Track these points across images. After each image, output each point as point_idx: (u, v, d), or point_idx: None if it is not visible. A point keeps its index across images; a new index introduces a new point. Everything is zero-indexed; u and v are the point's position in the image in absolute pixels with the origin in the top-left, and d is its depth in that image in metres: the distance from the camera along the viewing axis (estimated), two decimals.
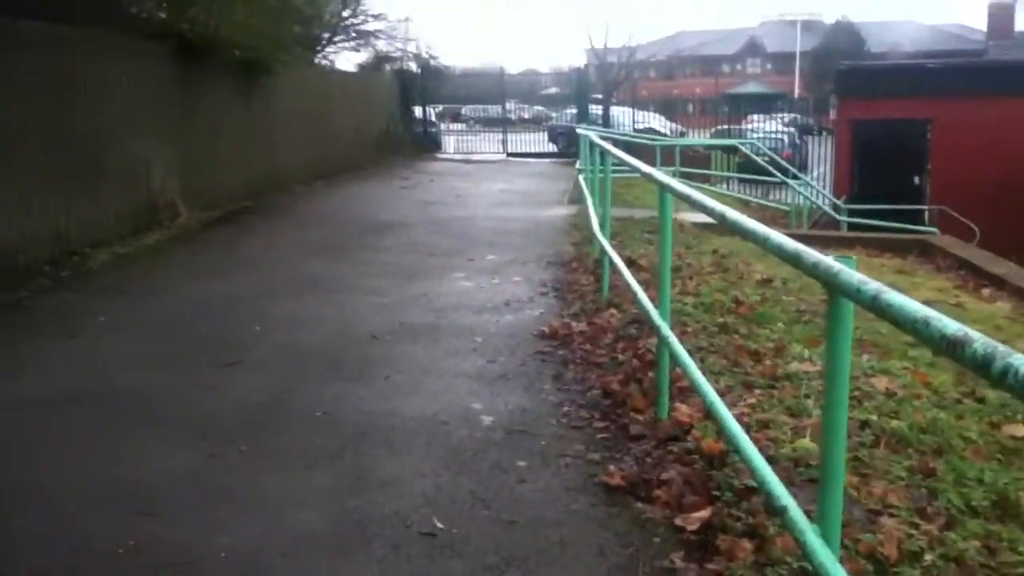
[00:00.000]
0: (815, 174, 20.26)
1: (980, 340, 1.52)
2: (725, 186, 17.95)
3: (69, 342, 5.40)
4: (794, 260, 2.36)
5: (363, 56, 24.30)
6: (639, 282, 5.28)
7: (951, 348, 1.59)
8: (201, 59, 10.83)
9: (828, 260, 2.15)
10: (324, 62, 21.06)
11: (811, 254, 2.26)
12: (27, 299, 6.50)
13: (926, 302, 6.05)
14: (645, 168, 5.32)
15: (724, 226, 3.14)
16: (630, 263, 7.14)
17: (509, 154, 23.67)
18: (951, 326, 1.60)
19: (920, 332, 1.70)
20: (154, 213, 9.60)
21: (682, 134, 24.81)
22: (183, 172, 10.38)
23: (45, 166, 7.65)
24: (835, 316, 2.18)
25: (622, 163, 6.70)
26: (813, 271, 2.22)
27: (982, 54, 27.73)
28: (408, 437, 3.94)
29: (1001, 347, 1.47)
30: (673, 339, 3.86)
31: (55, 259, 7.60)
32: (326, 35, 20.46)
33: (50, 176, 7.73)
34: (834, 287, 2.10)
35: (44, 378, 4.70)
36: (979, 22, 33.14)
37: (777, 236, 2.57)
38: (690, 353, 4.86)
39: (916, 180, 16.55)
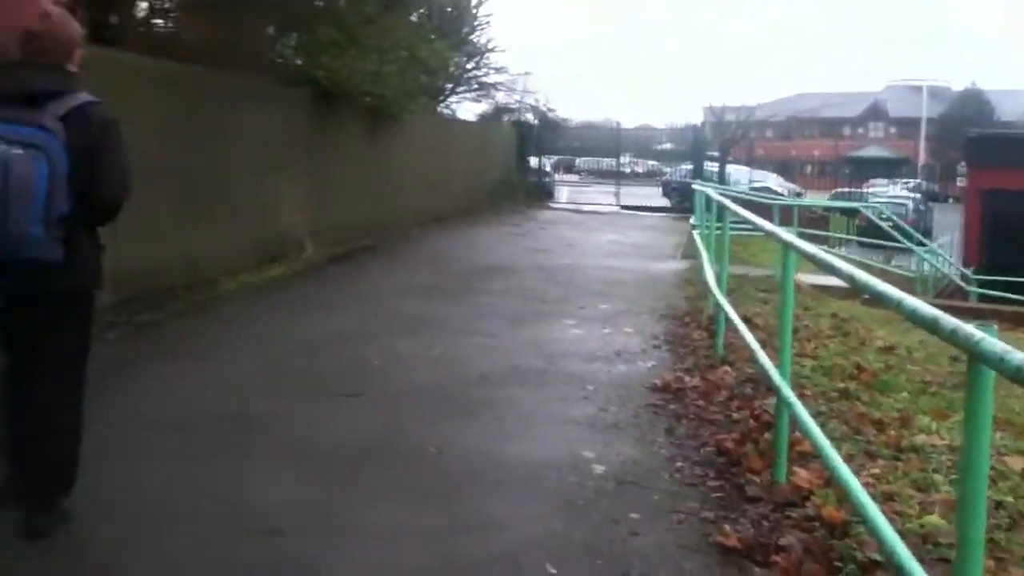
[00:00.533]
0: (939, 242, 19.48)
1: None
2: (843, 249, 17.46)
3: (200, 364, 5.65)
4: (931, 325, 2.24)
5: (483, 106, 24.98)
6: (756, 340, 5.18)
7: None
8: (332, 104, 11.39)
9: (968, 327, 2.05)
10: (446, 111, 21.72)
11: (950, 320, 2.16)
12: (163, 321, 6.86)
13: None
14: (769, 226, 5.24)
15: (854, 288, 3.06)
16: (745, 320, 7.00)
17: (621, 206, 23.73)
18: None
19: None
20: (282, 247, 10.05)
21: (799, 195, 24.36)
22: (310, 210, 10.88)
23: (186, 199, 8.11)
24: (975, 386, 2.06)
25: (741, 220, 6.62)
26: (952, 338, 2.11)
27: None
28: (518, 480, 3.93)
29: None
30: (795, 401, 3.75)
31: (189, 285, 8.02)
32: (449, 85, 21.11)
33: (190, 208, 8.20)
34: (975, 355, 1.99)
35: (177, 399, 4.92)
36: None
37: (911, 300, 2.46)
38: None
39: None
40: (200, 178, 8.37)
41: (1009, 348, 1.86)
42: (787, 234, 4.45)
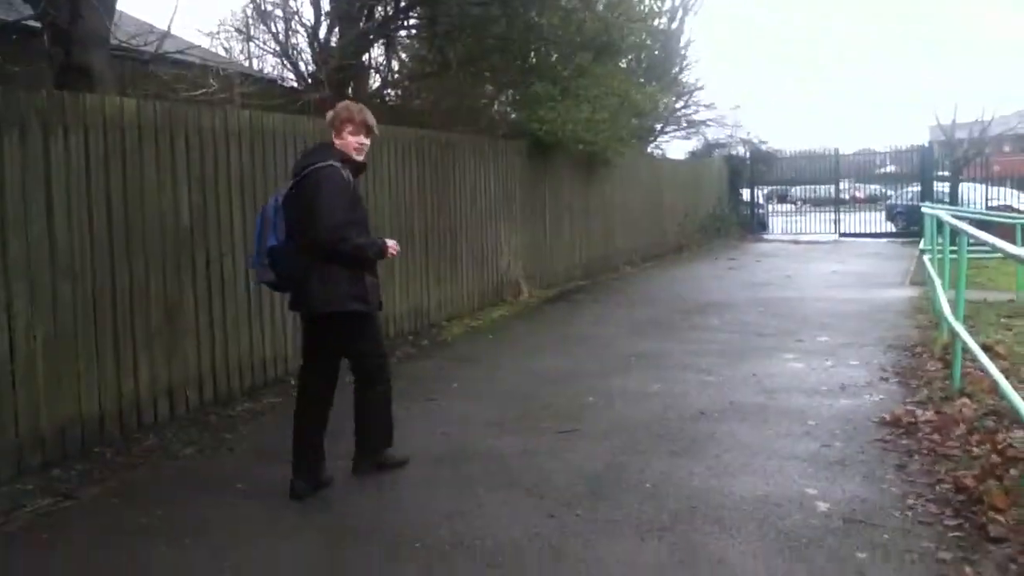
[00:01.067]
0: None
1: None
2: None
3: (428, 405, 6.05)
4: None
5: (693, 143, 24.84)
6: (998, 370, 4.83)
7: None
8: (547, 153, 11.90)
9: None
10: (656, 151, 21.83)
11: None
12: (394, 365, 7.37)
13: None
14: (1011, 248, 4.90)
15: None
16: (986, 349, 6.51)
17: (841, 234, 22.64)
18: None
19: None
20: (500, 291, 10.56)
21: None
22: (526, 254, 11.37)
23: (415, 251, 8.74)
24: None
25: (977, 242, 6.19)
26: None
27: None
28: (739, 517, 3.90)
29: None
30: None
31: (416, 330, 8.62)
32: (659, 125, 21.22)
33: (419, 260, 8.83)
34: None
35: (410, 437, 5.29)
36: None
37: None
38: None
39: None
40: (428, 232, 9.01)
41: None
42: None
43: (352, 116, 4.38)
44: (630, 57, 16.87)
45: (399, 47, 12.55)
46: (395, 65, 12.61)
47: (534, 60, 12.46)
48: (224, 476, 4.69)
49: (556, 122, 11.37)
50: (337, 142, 4.37)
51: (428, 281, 9.00)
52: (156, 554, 3.70)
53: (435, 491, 4.37)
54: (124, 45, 7.37)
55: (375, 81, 11.93)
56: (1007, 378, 4.83)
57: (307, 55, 10.66)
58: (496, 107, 13.55)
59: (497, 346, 8.21)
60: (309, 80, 10.13)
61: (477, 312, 9.83)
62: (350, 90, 10.27)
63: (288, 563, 3.58)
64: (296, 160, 4.65)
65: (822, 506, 3.99)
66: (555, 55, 12.49)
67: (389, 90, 12.33)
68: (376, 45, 11.43)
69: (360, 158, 4.43)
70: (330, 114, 4.45)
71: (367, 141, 4.44)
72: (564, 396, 6.18)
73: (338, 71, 9.68)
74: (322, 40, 10.41)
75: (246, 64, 11.11)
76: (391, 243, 4.50)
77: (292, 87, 10.56)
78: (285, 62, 10.86)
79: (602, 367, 7.12)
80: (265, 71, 11.24)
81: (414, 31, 11.95)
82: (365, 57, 11.11)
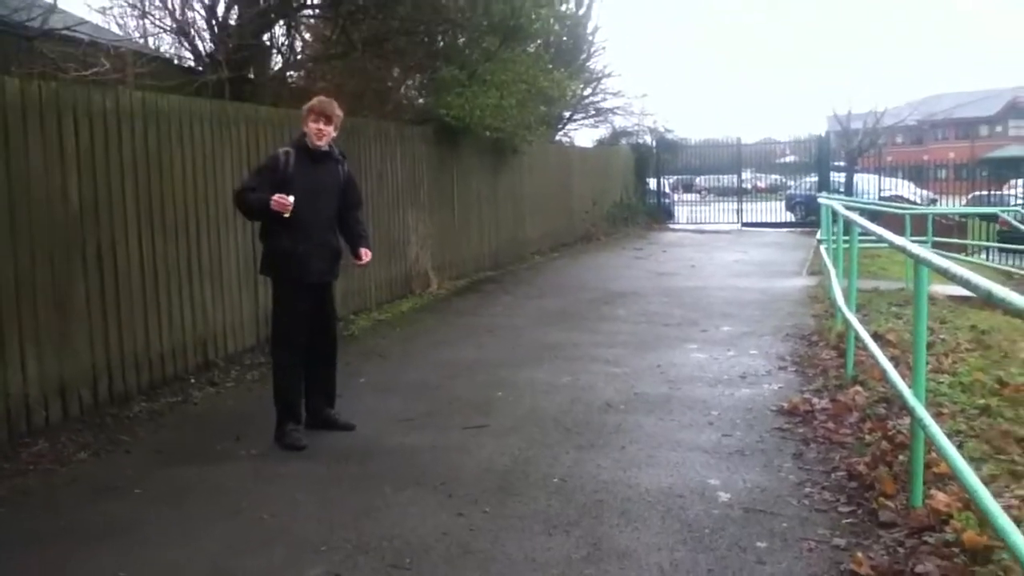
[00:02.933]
0: None
1: None
2: (984, 256, 16.54)
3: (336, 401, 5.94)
4: None
5: (601, 131, 25.06)
6: (888, 358, 5.02)
7: None
8: (454, 140, 11.78)
9: None
10: (564, 138, 21.93)
11: None
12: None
13: None
14: (897, 240, 5.09)
15: (990, 303, 2.94)
16: (877, 337, 6.78)
17: (744, 224, 23.26)
18: None
19: None
20: (408, 282, 10.43)
21: (933, 202, 23.23)
22: (435, 244, 11.24)
23: None
24: None
25: (868, 233, 6.43)
26: None
27: None
28: (644, 509, 3.96)
29: None
30: (929, 421, 3.63)
31: None
32: (567, 113, 21.32)
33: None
34: None
35: (316, 433, 5.18)
36: None
37: None
38: (947, 437, 4.55)
39: None
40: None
41: None
42: (917, 247, 4.31)
43: (311, 106, 5.08)
44: (539, 43, 16.89)
45: (302, 27, 12.22)
46: (298, 46, 12.30)
47: (441, 43, 12.33)
48: (121, 480, 4.50)
49: (463, 108, 11.26)
50: (304, 130, 5.10)
51: (344, 273, 8.79)
52: (45, 560, 3.52)
53: (341, 489, 4.29)
54: (5, 20, 6.95)
55: (277, 63, 11.59)
56: (896, 366, 5.04)
57: (205, 34, 10.29)
58: (403, 91, 13.37)
59: (406, 340, 8.12)
60: (207, 60, 9.77)
61: (385, 305, 9.69)
62: (251, 71, 9.94)
63: (187, 569, 3.46)
64: None
65: (723, 496, 4.08)
66: (462, 39, 12.39)
67: (291, 72, 12.00)
68: (278, 25, 11.10)
69: (320, 143, 5.06)
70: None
71: (324, 127, 5.06)
72: (473, 390, 6.17)
73: (237, 51, 9.35)
74: (220, 18, 10.04)
75: (141, 42, 10.63)
76: (276, 197, 4.84)
77: (190, 67, 10.16)
78: (182, 41, 10.45)
79: (512, 359, 7.13)
80: (161, 50, 10.78)
81: (317, 11, 11.66)
82: (267, 37, 10.77)
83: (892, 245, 5.06)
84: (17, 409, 5.03)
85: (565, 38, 20.44)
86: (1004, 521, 2.75)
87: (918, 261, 3.96)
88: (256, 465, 4.67)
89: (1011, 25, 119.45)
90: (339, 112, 5.15)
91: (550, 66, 14.96)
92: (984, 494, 2.95)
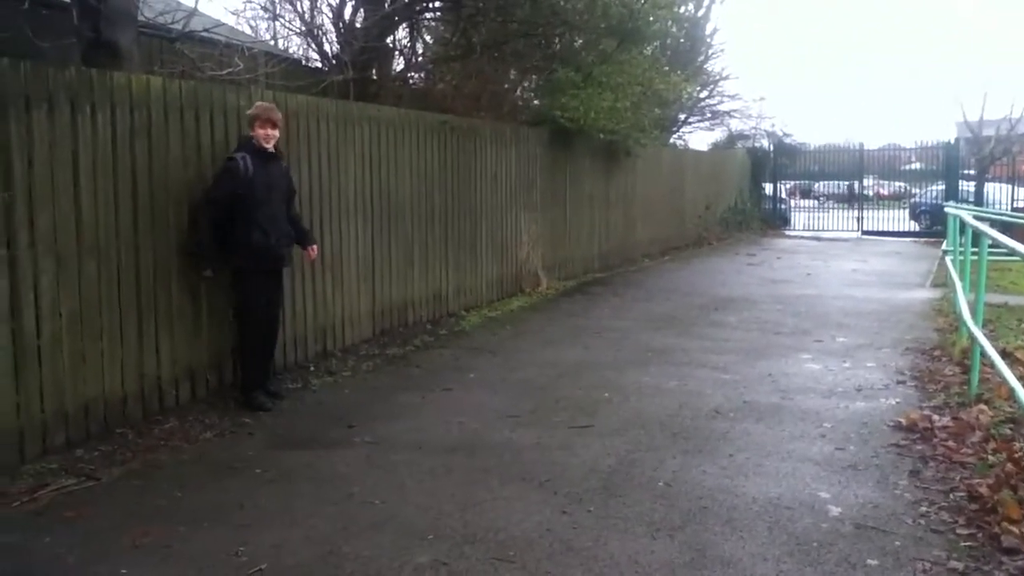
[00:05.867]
0: None
1: None
2: None
3: (445, 394, 6.10)
4: None
5: (716, 134, 24.66)
6: (1016, 377, 4.80)
7: None
8: (568, 142, 11.85)
9: None
10: (679, 141, 21.70)
11: None
12: (412, 353, 7.44)
13: None
14: None
15: None
16: (1005, 355, 6.46)
17: (864, 232, 22.48)
18: None
19: None
20: (518, 281, 10.56)
21: None
22: (546, 244, 11.35)
23: (435, 239, 8.75)
24: None
25: (999, 245, 6.13)
26: None
27: None
28: (749, 518, 3.91)
29: None
30: None
31: (435, 319, 8.66)
32: (683, 116, 21.08)
33: (439, 248, 8.84)
34: None
35: (427, 426, 5.34)
36: None
37: None
38: None
39: None
40: (448, 219, 9.02)
41: None
42: None
43: (258, 112, 5.59)
44: (655, 44, 16.75)
45: (424, 29, 12.52)
46: (419, 48, 12.61)
47: (558, 46, 12.39)
48: (243, 460, 4.75)
49: (578, 110, 11.31)
50: (252, 135, 5.60)
51: (447, 268, 9.02)
52: (176, 535, 3.76)
53: (449, 480, 4.40)
54: (151, 22, 7.40)
55: (399, 63, 11.92)
56: None
57: (332, 35, 10.68)
58: (519, 93, 13.51)
59: (515, 337, 8.23)
60: (334, 61, 10.13)
61: (495, 303, 9.85)
62: (373, 72, 10.27)
63: (303, 548, 3.63)
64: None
65: (834, 510, 3.99)
66: (579, 41, 12.42)
67: (412, 73, 12.32)
68: (401, 27, 11.42)
69: (267, 145, 5.59)
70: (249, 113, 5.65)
71: (271, 131, 5.59)
72: (579, 390, 6.20)
73: (362, 53, 9.67)
74: (347, 20, 10.40)
75: (272, 44, 11.13)
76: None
77: (316, 68, 10.56)
78: (310, 42, 10.88)
79: (618, 361, 7.13)
80: (290, 51, 11.25)
81: (439, 13, 11.92)
82: (389, 39, 11.09)
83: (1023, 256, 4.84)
84: (151, 389, 5.37)
85: (683, 40, 20.21)
86: None
87: None
88: (368, 452, 4.84)
89: None
90: (281, 116, 5.74)
91: (666, 68, 14.84)
92: None
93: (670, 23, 15.78)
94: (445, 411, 5.66)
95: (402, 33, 11.79)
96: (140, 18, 6.62)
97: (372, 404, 5.77)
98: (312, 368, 6.67)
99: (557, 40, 12.24)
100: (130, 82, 5.22)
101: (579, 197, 12.65)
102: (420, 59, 12.47)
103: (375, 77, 10.30)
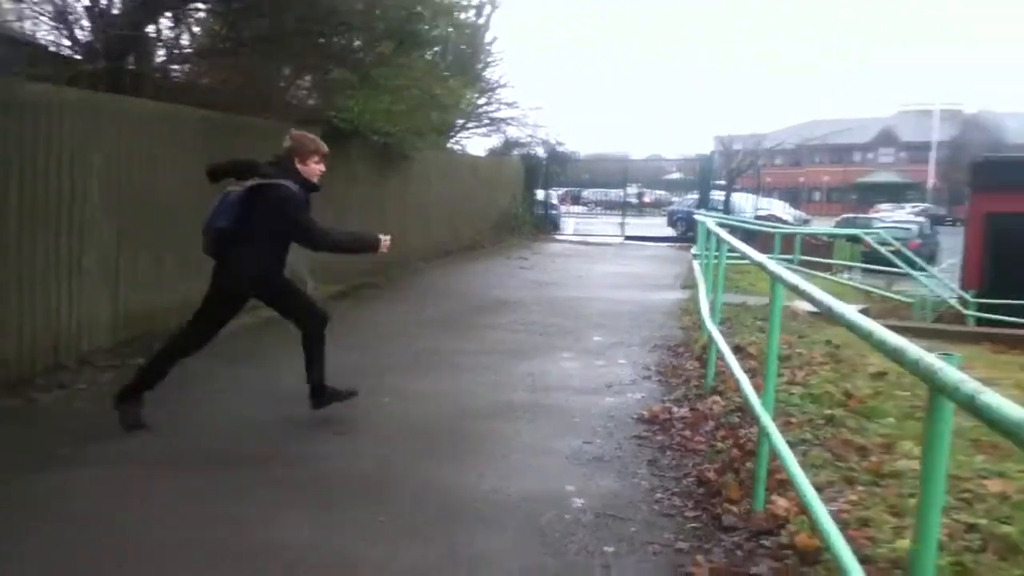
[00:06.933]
0: (944, 265, 19.45)
1: None
2: (847, 275, 17.49)
3: (208, 401, 5.83)
4: (896, 355, 2.31)
5: (493, 141, 25.23)
6: (745, 370, 5.26)
7: None
8: (342, 143, 11.61)
9: (929, 357, 2.10)
10: (456, 146, 21.99)
11: (913, 350, 2.21)
12: None
13: None
14: (757, 256, 5.36)
15: (831, 317, 3.13)
16: (738, 350, 7.10)
17: (627, 237, 23.88)
18: None
19: (1017, 435, 1.66)
20: None
21: (806, 222, 24.44)
22: None
23: (193, 241, 8.28)
24: (934, 415, 2.12)
25: (736, 249, 6.73)
26: (914, 368, 2.17)
27: None
28: (502, 515, 4.02)
29: None
30: (773, 429, 3.84)
31: None
32: (461, 121, 21.37)
33: (195, 250, 8.36)
34: (934, 385, 2.05)
35: (187, 438, 5.04)
36: None
37: (881, 330, 2.51)
38: (792, 445, 4.81)
39: None
40: (190, 219, 8.52)
41: (965, 378, 1.91)
42: (773, 264, 4.56)
43: (319, 148, 5.41)
44: (436, 49, 16.90)
45: (191, 20, 11.86)
46: (185, 40, 11.92)
47: (336, 45, 12.19)
48: None
49: (353, 111, 11.17)
50: (301, 168, 5.34)
51: (205, 274, 8.53)
52: None
53: (201, 496, 4.19)
54: None
55: (158, 56, 11.21)
56: (753, 377, 5.29)
57: (86, 21, 9.86)
58: (293, 92, 13.14)
59: (276, 345, 7.94)
60: (87, 49, 9.36)
61: (255, 310, 9.43)
62: (131, 62, 9.59)
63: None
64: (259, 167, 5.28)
65: (578, 502, 4.19)
66: (357, 41, 12.28)
67: (176, 65, 11.63)
68: (165, 16, 10.74)
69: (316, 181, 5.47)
70: (294, 142, 5.35)
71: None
72: None
73: (119, 41, 9.00)
74: (103, 5, 9.65)
75: (15, 25, 10.10)
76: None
77: (66, 56, 9.71)
78: (60, 27, 9.98)
79: (385, 366, 7.11)
80: (38, 36, 10.27)
81: (206, 4, 11.34)
82: (152, 29, 10.41)
83: (752, 261, 5.34)
84: None
85: (464, 47, 20.53)
86: (828, 524, 2.93)
87: (773, 278, 4.20)
88: (100, 471, 4.51)
89: (891, 58, 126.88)
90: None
91: (446, 73, 15.03)
92: (814, 499, 3.13)
93: (451, 29, 15.98)
94: (203, 422, 5.40)
95: (167, 23, 11.12)
96: None
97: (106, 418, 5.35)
98: (41, 382, 6.10)
99: (335, 39, 12.02)
100: None
101: (353, 199, 12.46)
102: (185, 51, 11.81)
103: (132, 67, 9.62)
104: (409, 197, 14.87)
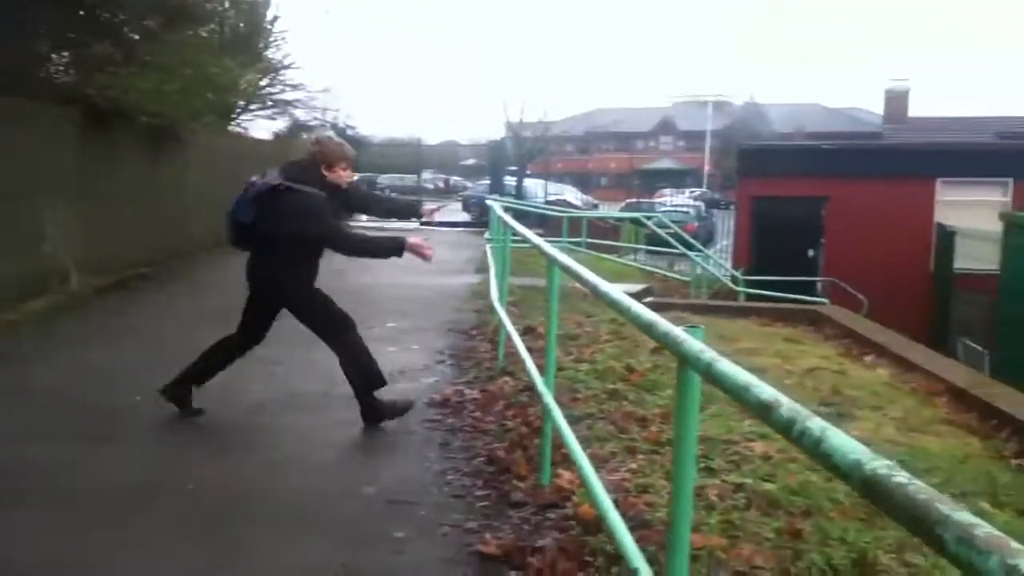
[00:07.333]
0: (720, 246, 20.93)
1: (787, 405, 1.60)
2: (633, 257, 18.40)
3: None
4: (648, 329, 2.43)
5: (280, 124, 24.36)
6: (535, 350, 5.36)
7: (764, 412, 1.67)
8: (106, 125, 10.70)
9: (676, 330, 2.21)
10: (239, 129, 20.99)
11: (662, 325, 2.32)
12: None
13: (811, 369, 6.30)
14: (535, 239, 5.46)
15: (596, 296, 3.24)
16: (528, 331, 7.24)
17: (422, 222, 23.82)
18: (765, 392, 1.69)
19: (742, 397, 1.77)
20: (43, 280, 9.29)
21: (595, 206, 25.48)
22: (80, 237, 10.12)
23: None
24: (682, 384, 2.25)
25: (519, 234, 6.84)
26: (663, 340, 2.28)
27: (879, 137, 29.34)
28: (288, 509, 3.86)
29: (803, 411, 1.55)
30: (553, 406, 3.91)
31: None
32: (242, 103, 20.42)
33: None
34: (679, 355, 2.16)
35: None
36: (879, 106, 35.04)
37: (636, 307, 2.64)
38: (579, 419, 4.96)
39: (811, 253, 17.32)
40: None
41: (704, 348, 2.02)
42: (549, 248, 4.66)
43: (346, 154, 5.31)
44: (212, 27, 16.02)
45: None
46: None
47: (98, 16, 11.22)
48: None
49: (116, 89, 10.32)
50: (328, 175, 5.17)
51: None
52: None
53: None
54: None
55: None
56: (541, 356, 5.38)
57: None
58: (50, 68, 11.97)
59: (39, 342, 7.27)
60: None
61: (17, 304, 8.58)
62: None
63: None
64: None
65: (368, 490, 4.09)
66: (121, 15, 11.38)
67: None
68: None
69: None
70: (322, 147, 5.24)
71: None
72: (110, 395, 5.66)
73: None
74: None
75: None
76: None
77: None
78: None
79: (155, 361, 6.61)
80: None
81: None
82: None
83: (531, 244, 5.43)
84: None
85: (242, 24, 19.65)
86: (600, 493, 3.02)
87: (550, 260, 4.30)
88: None
89: (668, 48, 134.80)
90: None
91: (223, 53, 14.29)
92: (588, 470, 3.22)
93: (227, 5, 15.21)
94: None
95: None
96: None
97: None
98: None
99: (97, 12, 11.06)
100: None
101: (121, 186, 11.53)
102: None
103: None
104: (186, 182, 13.96)
